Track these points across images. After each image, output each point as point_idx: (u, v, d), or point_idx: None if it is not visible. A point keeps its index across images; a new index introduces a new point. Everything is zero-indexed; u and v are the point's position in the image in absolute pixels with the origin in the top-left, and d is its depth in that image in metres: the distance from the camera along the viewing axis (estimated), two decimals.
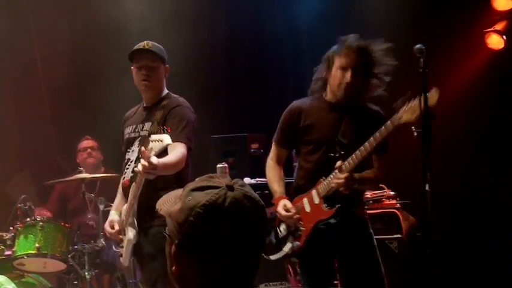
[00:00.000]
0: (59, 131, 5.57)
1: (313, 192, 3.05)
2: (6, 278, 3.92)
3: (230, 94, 5.73)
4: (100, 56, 5.53)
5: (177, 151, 3.04)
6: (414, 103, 2.75)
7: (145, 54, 3.21)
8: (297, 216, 3.04)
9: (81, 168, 4.52)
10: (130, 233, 3.08)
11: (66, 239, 4.29)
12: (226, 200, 1.29)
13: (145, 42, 3.26)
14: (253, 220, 1.31)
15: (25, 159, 5.21)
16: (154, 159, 2.83)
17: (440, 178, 5.08)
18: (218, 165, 4.10)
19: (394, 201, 4.33)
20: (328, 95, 3.11)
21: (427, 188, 2.62)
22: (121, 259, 3.21)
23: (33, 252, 4.17)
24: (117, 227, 3.19)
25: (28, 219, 4.30)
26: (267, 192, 3.31)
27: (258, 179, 4.39)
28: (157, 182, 2.99)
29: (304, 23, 5.52)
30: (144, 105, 3.29)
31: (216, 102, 5.59)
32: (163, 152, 3.01)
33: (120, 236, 3.17)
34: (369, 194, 4.31)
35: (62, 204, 5.13)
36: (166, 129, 2.98)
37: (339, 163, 2.94)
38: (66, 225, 4.39)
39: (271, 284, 4.12)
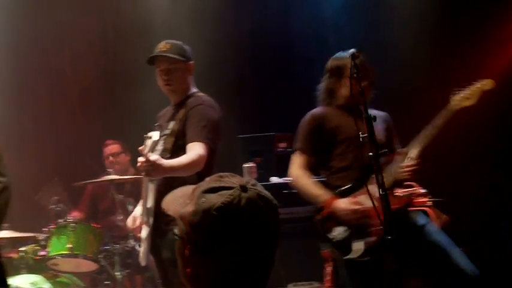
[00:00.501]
0: (89, 132, 5.63)
1: (371, 187, 3.01)
2: (42, 277, 4.01)
3: (256, 93, 5.71)
4: (128, 55, 5.55)
5: (193, 152, 2.95)
6: (472, 88, 2.98)
7: (163, 58, 3.14)
8: (366, 209, 2.99)
9: (111, 170, 4.58)
10: (144, 232, 3.04)
11: (97, 239, 4.35)
12: (241, 201, 1.28)
13: (162, 44, 3.18)
14: (267, 220, 1.31)
15: (58, 160, 5.29)
16: (152, 156, 2.77)
17: (480, 171, 5.01)
18: (244, 165, 4.09)
19: (425, 199, 4.24)
20: (340, 101, 3.20)
21: (381, 192, 2.66)
22: (139, 258, 3.17)
23: (66, 252, 4.25)
24: (137, 222, 3.15)
25: (60, 220, 4.39)
26: (295, 191, 3.27)
27: (286, 178, 4.35)
28: (175, 182, 2.84)
29: (330, 18, 5.48)
30: (172, 104, 3.26)
31: (242, 101, 5.56)
32: (180, 152, 2.98)
33: (139, 234, 3.14)
34: (399, 192, 4.24)
35: (93, 205, 5.21)
36: (159, 125, 3.02)
37: (404, 150, 3.02)
38: (97, 226, 4.46)
39: (299, 283, 4.09)
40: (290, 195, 3.26)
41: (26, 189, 5.04)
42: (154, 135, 2.89)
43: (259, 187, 1.34)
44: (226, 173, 1.37)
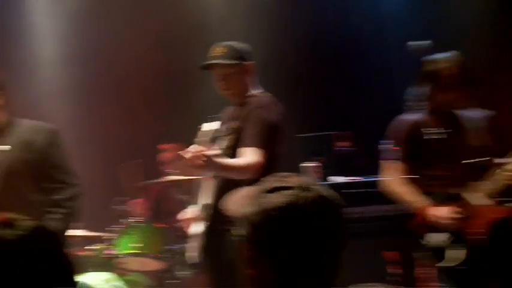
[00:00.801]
0: (151, 132, 5.71)
1: (468, 195, 2.98)
2: (114, 275, 4.11)
3: (314, 91, 5.64)
4: (187, 54, 5.59)
5: (250, 157, 2.84)
6: None
7: (218, 64, 3.04)
8: (464, 217, 2.96)
9: (173, 170, 4.65)
10: (197, 228, 2.97)
11: (162, 239, 4.45)
12: (302, 201, 1.27)
13: (216, 48, 3.07)
14: (330, 220, 1.29)
15: (123, 160, 5.40)
16: (209, 151, 2.67)
17: None
18: (306, 164, 4.05)
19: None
20: (434, 107, 3.12)
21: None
22: (187, 255, 3.08)
23: (133, 251, 4.37)
24: (187, 217, 3.09)
25: (126, 220, 4.51)
26: (362, 191, 3.21)
27: (349, 178, 4.27)
28: (237, 182, 2.76)
29: (389, 13, 5.38)
30: (233, 104, 3.17)
31: (300, 100, 5.50)
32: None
33: (187, 229, 3.07)
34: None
35: (156, 205, 5.31)
36: (213, 117, 2.94)
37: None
38: (162, 225, 4.55)
39: (362, 285, 4.01)
40: (349, 194, 3.21)
41: (93, 189, 5.22)
42: (208, 126, 2.83)
43: (321, 187, 1.32)
44: (287, 173, 1.37)
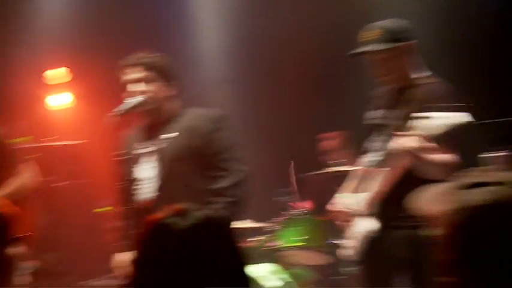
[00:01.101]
0: (315, 120, 5.64)
1: None
2: (280, 267, 4.09)
3: (495, 73, 5.15)
4: (349, 38, 5.45)
5: (448, 156, 2.59)
6: None
7: (371, 51, 2.77)
8: None
9: (337, 161, 4.54)
10: (360, 224, 2.80)
11: (325, 232, 4.33)
12: (509, 199, 1.12)
13: (369, 31, 2.80)
14: None
15: (287, 149, 5.41)
16: (424, 143, 2.46)
17: None
18: (488, 155, 3.71)
19: None
20: None
21: None
22: (343, 251, 2.94)
23: (298, 244, 4.32)
24: (346, 210, 2.90)
25: (291, 212, 4.46)
26: None
27: None
28: (412, 176, 2.57)
29: None
30: (392, 87, 2.86)
31: (479, 84, 5.06)
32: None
33: (343, 223, 2.90)
34: None
35: (319, 197, 5.23)
36: (436, 107, 2.56)
37: None
38: (325, 218, 4.44)
39: None
40: None
41: (257, 179, 5.27)
42: (438, 116, 2.49)
43: None
44: (487, 167, 1.25)
